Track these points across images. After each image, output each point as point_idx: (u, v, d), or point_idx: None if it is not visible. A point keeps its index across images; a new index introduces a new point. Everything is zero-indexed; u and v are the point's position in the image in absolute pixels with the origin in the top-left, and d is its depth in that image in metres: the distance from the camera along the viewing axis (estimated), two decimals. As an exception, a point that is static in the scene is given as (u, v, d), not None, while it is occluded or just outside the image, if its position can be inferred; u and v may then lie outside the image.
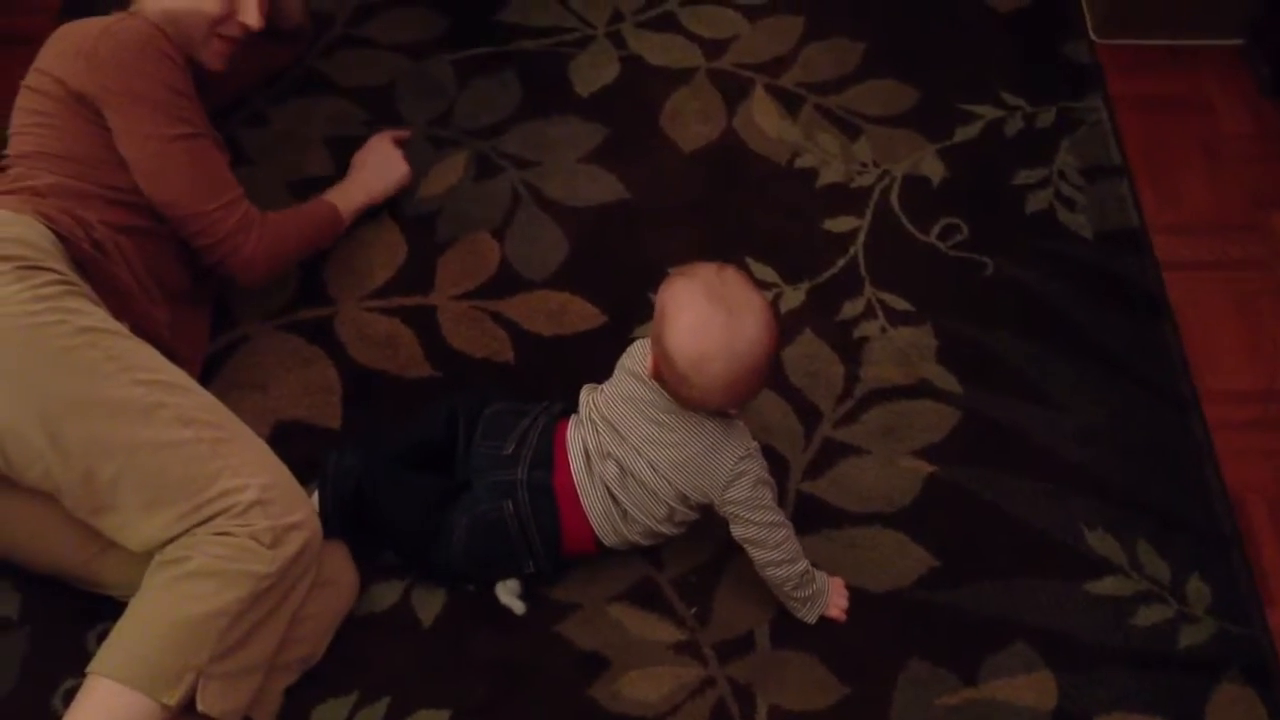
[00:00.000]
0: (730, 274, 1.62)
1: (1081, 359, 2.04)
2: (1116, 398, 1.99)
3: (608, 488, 1.69)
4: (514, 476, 1.70)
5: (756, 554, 1.69)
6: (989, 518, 1.86)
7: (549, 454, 1.72)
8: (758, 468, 1.66)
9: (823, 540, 1.84)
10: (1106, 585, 1.80)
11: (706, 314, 1.58)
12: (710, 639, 1.75)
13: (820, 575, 1.73)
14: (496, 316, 2.08)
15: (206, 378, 1.98)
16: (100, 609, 1.70)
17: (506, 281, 2.13)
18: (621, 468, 1.68)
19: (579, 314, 2.09)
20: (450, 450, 1.79)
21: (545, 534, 1.71)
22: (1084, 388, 2.00)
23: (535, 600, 1.77)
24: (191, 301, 1.98)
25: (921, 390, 2.00)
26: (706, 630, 1.76)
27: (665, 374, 1.62)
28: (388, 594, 1.79)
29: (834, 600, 1.75)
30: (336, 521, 1.70)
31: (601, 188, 2.24)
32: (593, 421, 1.72)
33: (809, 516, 1.86)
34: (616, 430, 1.69)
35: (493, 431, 1.76)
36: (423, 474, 1.77)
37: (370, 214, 2.18)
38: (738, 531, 1.69)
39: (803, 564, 1.70)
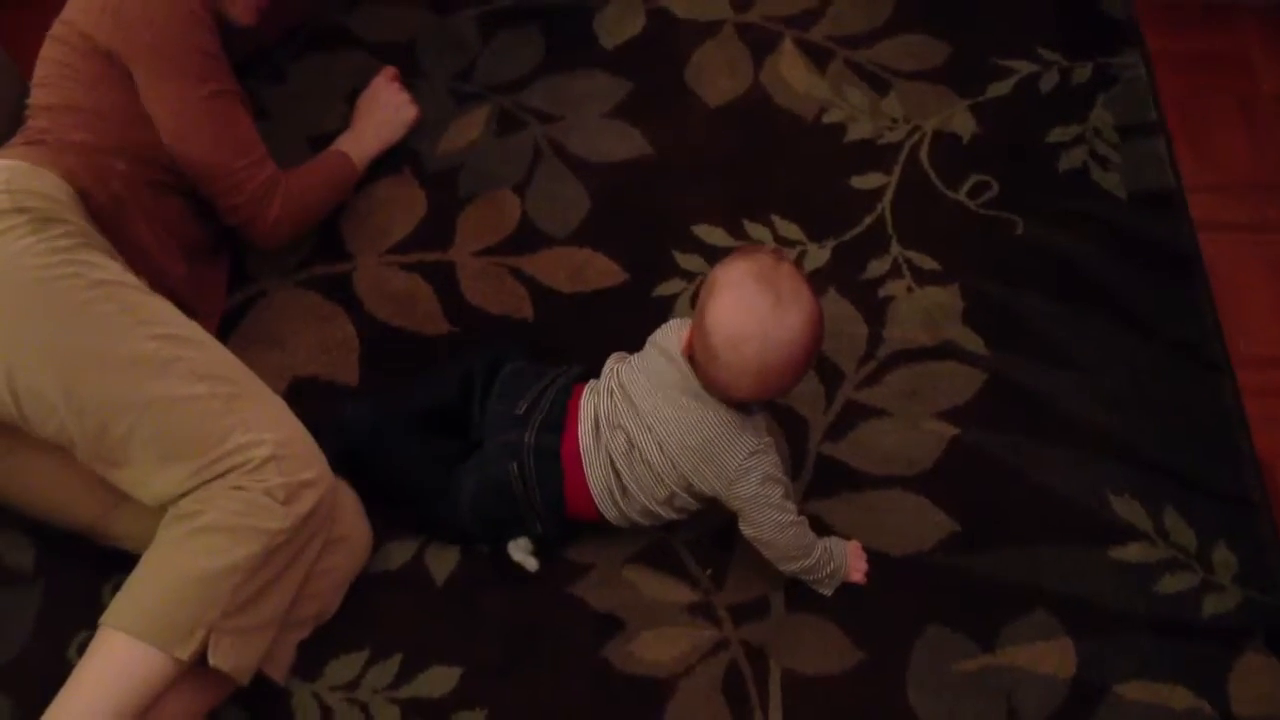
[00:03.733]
0: (788, 266, 1.59)
1: (1111, 322, 2.00)
2: (1146, 362, 1.95)
3: (611, 460, 1.66)
4: (522, 439, 1.68)
5: (766, 552, 1.67)
6: (1012, 482, 1.83)
7: (561, 418, 1.70)
8: (768, 464, 1.63)
9: (842, 503, 1.82)
10: (1131, 552, 1.77)
11: (753, 295, 1.55)
12: (725, 601, 1.74)
13: (838, 548, 1.70)
14: (516, 273, 2.06)
15: (223, 333, 1.98)
16: (115, 562, 1.70)
17: (527, 238, 2.10)
18: (630, 441, 1.66)
19: (600, 271, 2.07)
20: (466, 410, 1.77)
21: (549, 499, 1.69)
22: (1113, 351, 1.96)
23: (549, 560, 1.76)
24: (209, 257, 1.97)
25: (946, 352, 1.97)
26: (721, 592, 1.75)
27: (698, 350, 1.59)
28: (401, 552, 1.78)
29: (853, 564, 1.73)
30: (343, 471, 1.68)
31: (625, 143, 2.21)
32: (610, 390, 1.70)
33: (828, 479, 1.84)
34: (633, 403, 1.66)
35: (507, 391, 1.74)
36: (435, 433, 1.75)
37: (390, 169, 2.16)
38: (745, 530, 1.66)
39: (815, 555, 1.67)
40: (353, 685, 1.68)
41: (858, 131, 2.24)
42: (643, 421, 1.65)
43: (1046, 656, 1.67)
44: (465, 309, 2.02)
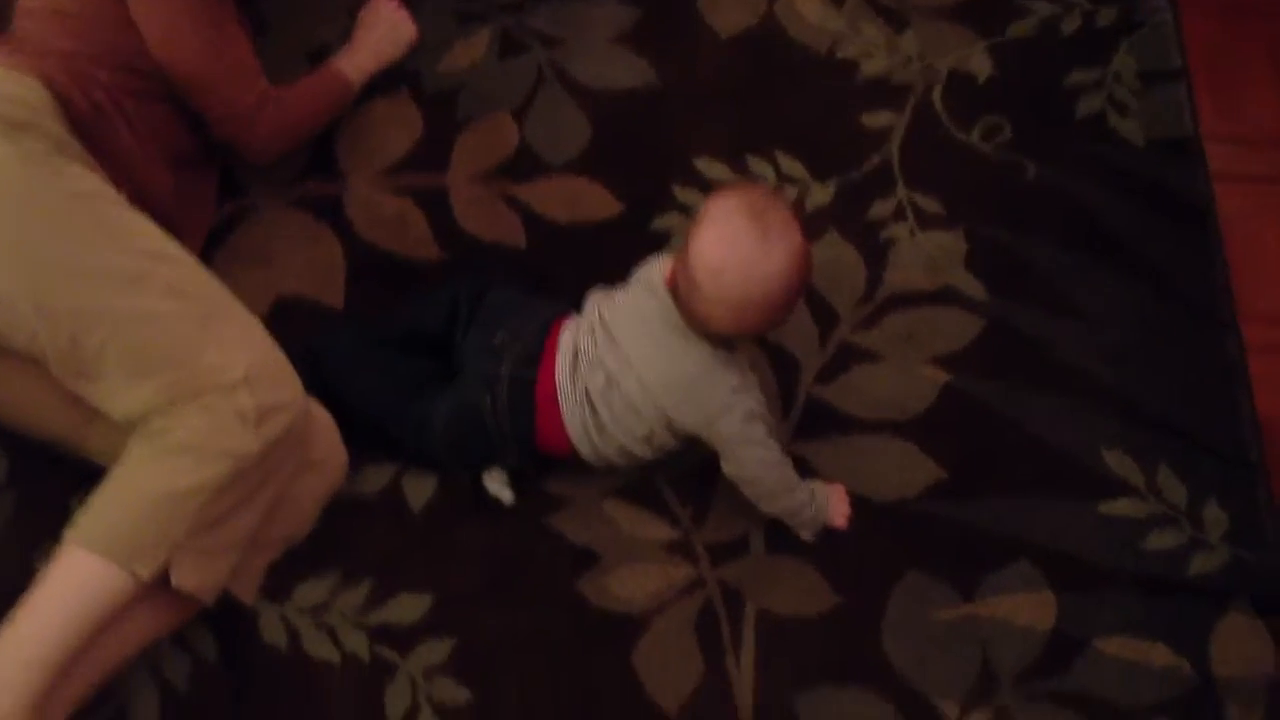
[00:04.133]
0: (779, 202, 1.57)
1: (1118, 272, 1.94)
2: (1151, 314, 1.90)
3: (589, 396, 1.63)
4: (497, 370, 1.65)
5: (747, 490, 1.64)
6: (1004, 432, 1.79)
7: (538, 352, 1.67)
8: (751, 402, 1.60)
9: (829, 446, 1.78)
10: (1120, 506, 1.73)
11: (740, 229, 1.52)
12: (704, 539, 1.71)
13: (820, 492, 1.67)
14: (511, 200, 2.02)
15: (209, 248, 1.94)
16: (87, 475, 1.66)
17: (524, 164, 2.06)
18: (609, 380, 1.63)
19: (596, 202, 2.02)
20: (449, 336, 1.74)
21: (521, 433, 1.66)
22: (1118, 302, 1.91)
23: (527, 492, 1.74)
24: (197, 169, 1.93)
25: (946, 297, 1.92)
26: (701, 531, 1.72)
27: (680, 281, 1.56)
28: (378, 478, 1.76)
29: (836, 508, 1.70)
30: (318, 393, 1.66)
31: (631, 71, 2.16)
32: (591, 326, 1.67)
33: (817, 421, 1.80)
34: (613, 338, 1.63)
35: (487, 320, 1.71)
36: (412, 358, 1.72)
37: (388, 88, 2.11)
38: (727, 468, 1.64)
39: (797, 496, 1.65)
40: (321, 608, 1.66)
41: (871, 68, 2.18)
42: (623, 357, 1.62)
43: (1026, 608, 1.64)
44: (457, 235, 1.99)
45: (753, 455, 1.60)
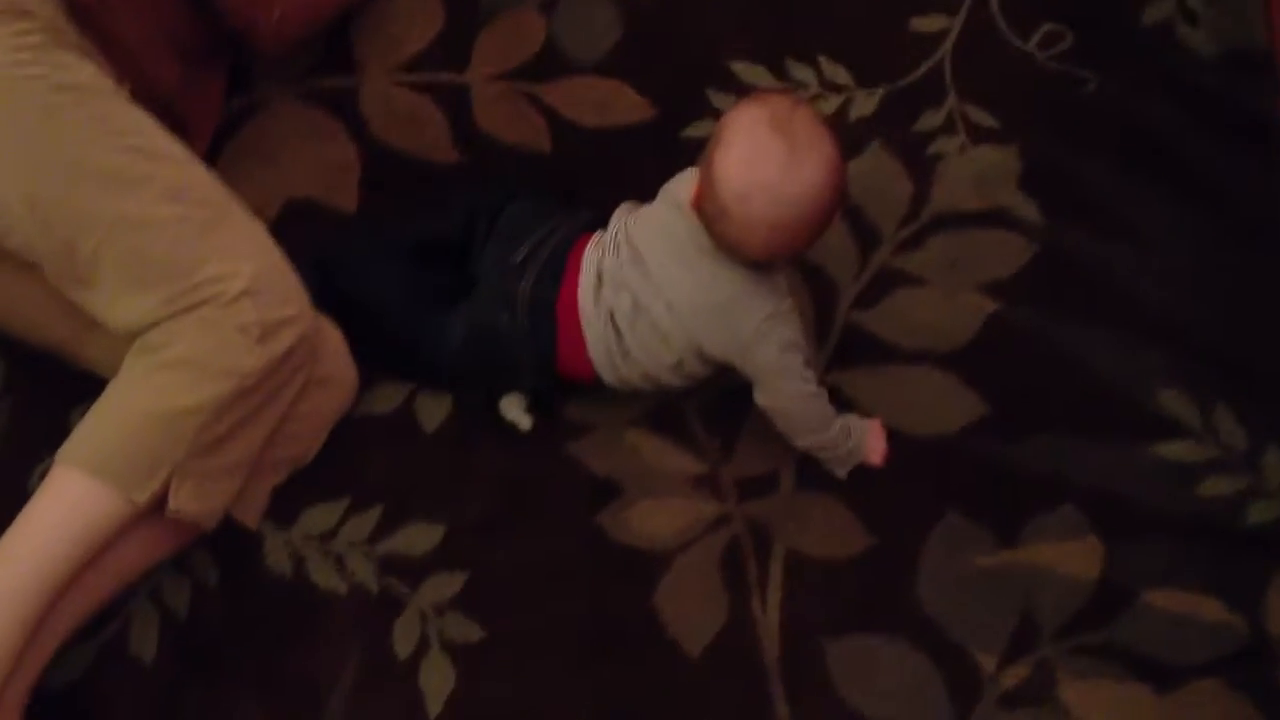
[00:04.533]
0: (805, 110, 1.44)
1: (1182, 195, 1.82)
2: (1214, 242, 1.78)
3: (613, 319, 1.53)
4: (517, 288, 1.55)
5: (780, 423, 1.55)
6: (1052, 365, 1.69)
7: (560, 269, 1.57)
8: (788, 330, 1.50)
9: (865, 376, 1.68)
10: (1174, 449, 1.63)
11: (764, 144, 1.40)
12: (732, 474, 1.62)
13: (857, 426, 1.58)
14: (535, 101, 1.90)
15: (216, 144, 1.84)
16: (87, 386, 1.58)
17: (550, 63, 1.94)
18: (636, 304, 1.53)
19: (626, 105, 1.90)
20: (467, 246, 1.64)
21: (540, 355, 1.57)
22: (1180, 228, 1.79)
23: (547, 419, 1.64)
24: (205, 62, 1.82)
25: (996, 218, 1.80)
26: (729, 464, 1.63)
27: (705, 205, 1.45)
28: (390, 397, 1.67)
29: (872, 444, 1.60)
30: (327, 306, 1.57)
31: (664, -35, 2.02)
32: (617, 244, 1.56)
33: (854, 349, 1.70)
34: (641, 259, 1.52)
35: (507, 233, 1.60)
36: (429, 267, 1.62)
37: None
38: (760, 399, 1.54)
39: (832, 430, 1.55)
40: (328, 536, 1.58)
41: (923, -35, 2.03)
42: (650, 280, 1.51)
43: (1071, 556, 1.55)
44: (477, 137, 1.87)
45: (789, 387, 1.51)
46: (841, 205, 1.48)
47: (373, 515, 1.59)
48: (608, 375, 1.58)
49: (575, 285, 1.56)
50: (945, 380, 1.68)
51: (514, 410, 1.62)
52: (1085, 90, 1.91)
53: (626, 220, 1.57)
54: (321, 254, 1.63)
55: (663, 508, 1.59)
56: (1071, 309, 1.73)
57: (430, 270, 1.64)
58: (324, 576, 1.55)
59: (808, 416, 1.53)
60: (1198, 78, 1.93)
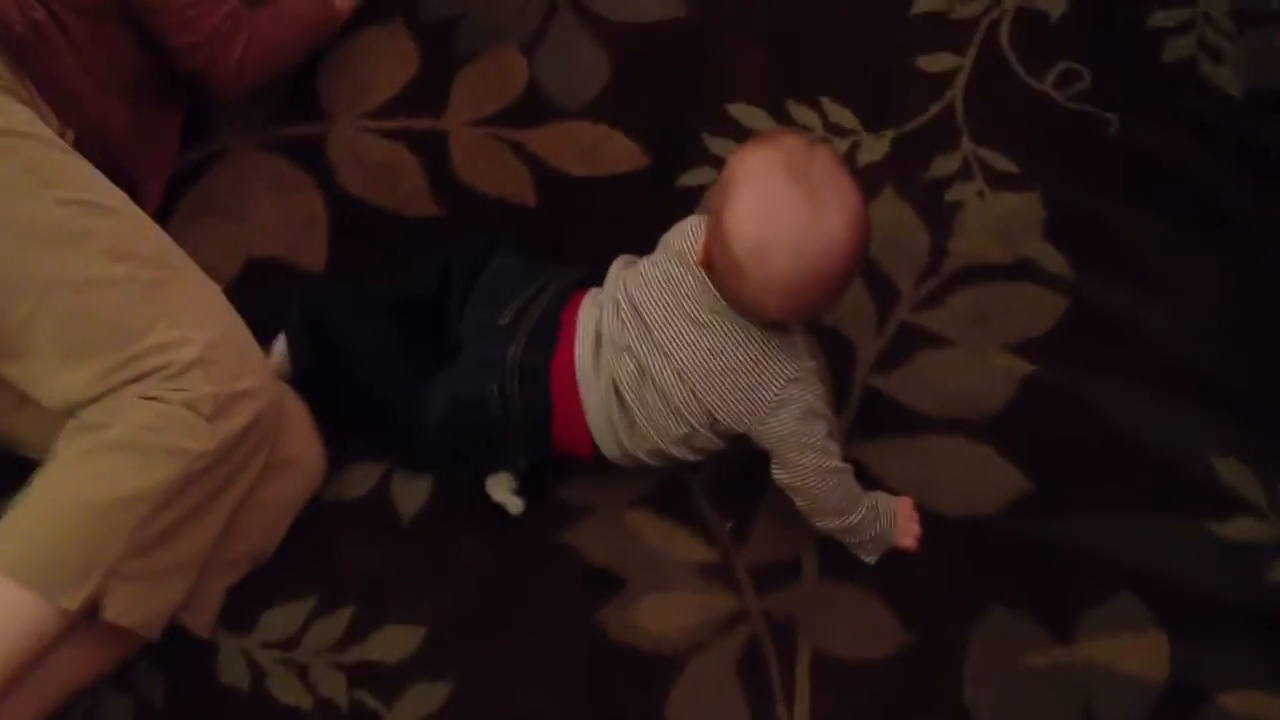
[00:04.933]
0: (824, 152, 1.27)
1: (1221, 244, 1.68)
2: (1261, 296, 1.63)
3: (615, 387, 1.36)
4: (504, 355, 1.38)
5: (800, 502, 1.38)
6: (1095, 434, 1.53)
7: (553, 332, 1.40)
8: (810, 396, 1.33)
9: (891, 449, 1.51)
10: (1238, 528, 1.47)
11: (781, 193, 1.23)
12: (747, 561, 1.45)
13: (886, 506, 1.41)
14: (518, 149, 1.74)
15: (171, 199, 1.68)
16: (18, 471, 1.38)
17: (534, 108, 1.78)
18: (640, 369, 1.36)
19: (617, 152, 1.74)
20: (443, 307, 1.46)
21: (534, 430, 1.40)
22: (1222, 280, 1.65)
23: (538, 501, 1.46)
24: (157, 105, 1.66)
25: (1023, 271, 1.65)
26: (743, 551, 1.45)
27: (717, 262, 1.28)
28: (362, 479, 1.48)
29: (903, 526, 1.43)
30: (303, 366, 1.40)
31: (657, 3, 1.87)
32: (616, 303, 1.39)
33: (876, 418, 1.53)
34: (643, 320, 1.35)
35: (492, 294, 1.43)
36: (405, 332, 1.45)
37: (380, 16, 1.84)
38: (778, 475, 1.37)
39: (859, 511, 1.38)
40: (291, 642, 1.39)
41: (927, 3, 1.89)
42: (656, 343, 1.34)
43: (1134, 652, 1.38)
44: (456, 188, 1.71)
45: (809, 461, 1.34)
46: (865, 258, 1.31)
47: (342, 618, 1.40)
48: (609, 449, 1.40)
49: (571, 349, 1.39)
50: (980, 452, 1.51)
51: (502, 491, 1.44)
52: (1108, 131, 1.77)
53: (625, 276, 1.41)
54: (305, 313, 1.45)
55: (671, 602, 1.41)
56: (1110, 370, 1.57)
57: (406, 331, 1.47)
58: (286, 691, 1.36)
59: (831, 494, 1.36)
60: (1226, 118, 1.79)
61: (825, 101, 1.79)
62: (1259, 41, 1.87)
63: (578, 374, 1.38)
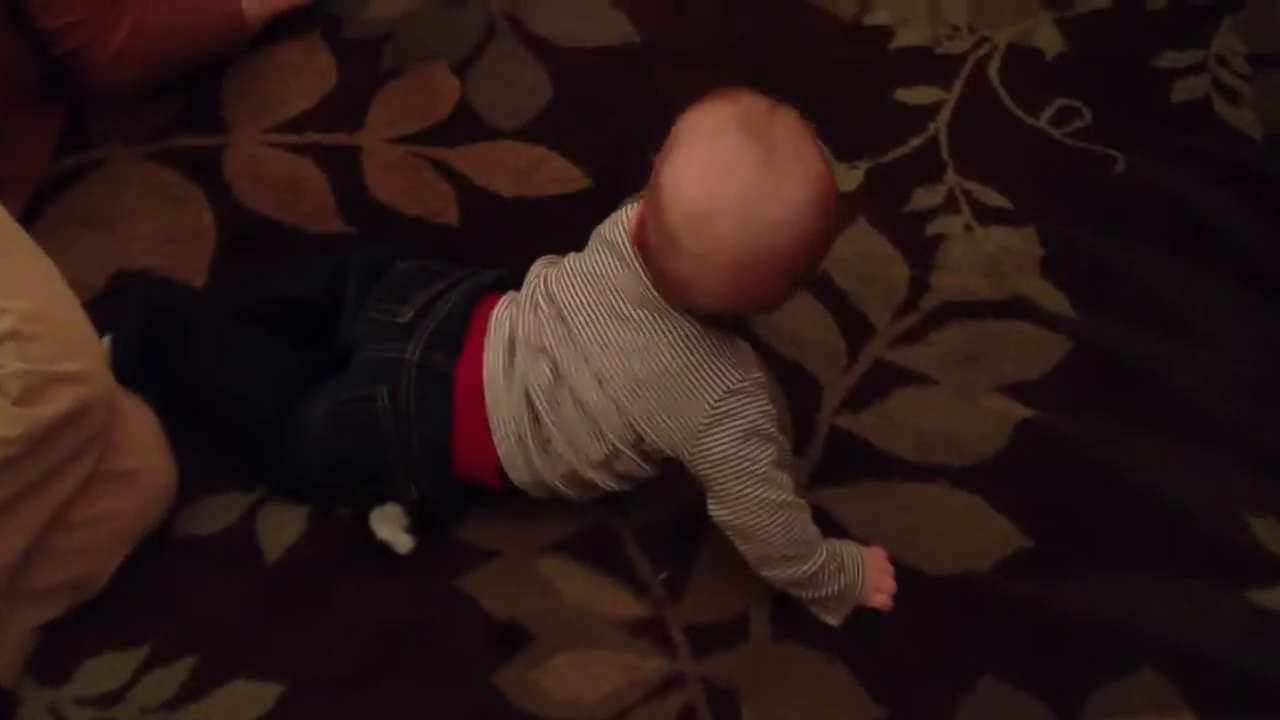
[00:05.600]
0: (788, 113, 1.04)
1: (1242, 286, 1.47)
2: (1288, 341, 1.41)
3: (529, 397, 1.13)
4: (402, 354, 1.14)
5: (743, 547, 1.13)
6: (1105, 487, 1.29)
7: (460, 333, 1.18)
8: (755, 413, 1.09)
9: (862, 495, 1.27)
10: (1277, 596, 1.20)
11: (734, 151, 1.00)
12: (684, 619, 1.19)
13: (851, 555, 1.17)
14: (441, 167, 1.53)
15: (38, 204, 1.47)
16: None
17: (463, 127, 1.59)
18: (556, 374, 1.13)
19: (554, 174, 1.54)
20: (333, 314, 1.23)
21: (430, 445, 1.16)
22: (1245, 323, 1.44)
23: (431, 541, 1.20)
24: (31, 104, 1.46)
25: (1017, 309, 1.43)
26: (680, 606, 1.19)
27: (650, 234, 1.05)
28: (221, 512, 1.24)
29: (875, 580, 1.18)
30: (131, 370, 1.15)
31: (604, 27, 1.69)
32: (535, 302, 1.17)
33: (845, 460, 1.29)
34: (563, 318, 1.13)
35: (392, 293, 1.21)
36: (284, 339, 1.21)
37: (299, 29, 1.66)
38: (715, 512, 1.12)
39: (816, 559, 1.14)
40: (113, 698, 1.12)
41: (908, 37, 1.71)
42: (576, 344, 1.11)
43: (1161, 739, 1.11)
44: (368, 205, 1.50)
45: (751, 492, 1.09)
46: (828, 244, 1.08)
47: (180, 670, 1.14)
48: (519, 474, 1.16)
49: (479, 355, 1.16)
50: (968, 502, 1.27)
51: (389, 527, 1.19)
52: (1113, 169, 1.58)
53: (546, 273, 1.18)
54: (151, 299, 1.22)
55: (588, 663, 1.15)
56: (1122, 419, 1.34)
57: (287, 342, 1.23)
58: (97, 756, 1.08)
59: (779, 535, 1.11)
60: (1247, 159, 1.59)
61: (792, 130, 1.58)
62: (1277, 83, 1.68)
63: (485, 383, 1.15)
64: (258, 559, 1.21)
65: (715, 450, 1.09)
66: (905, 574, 1.21)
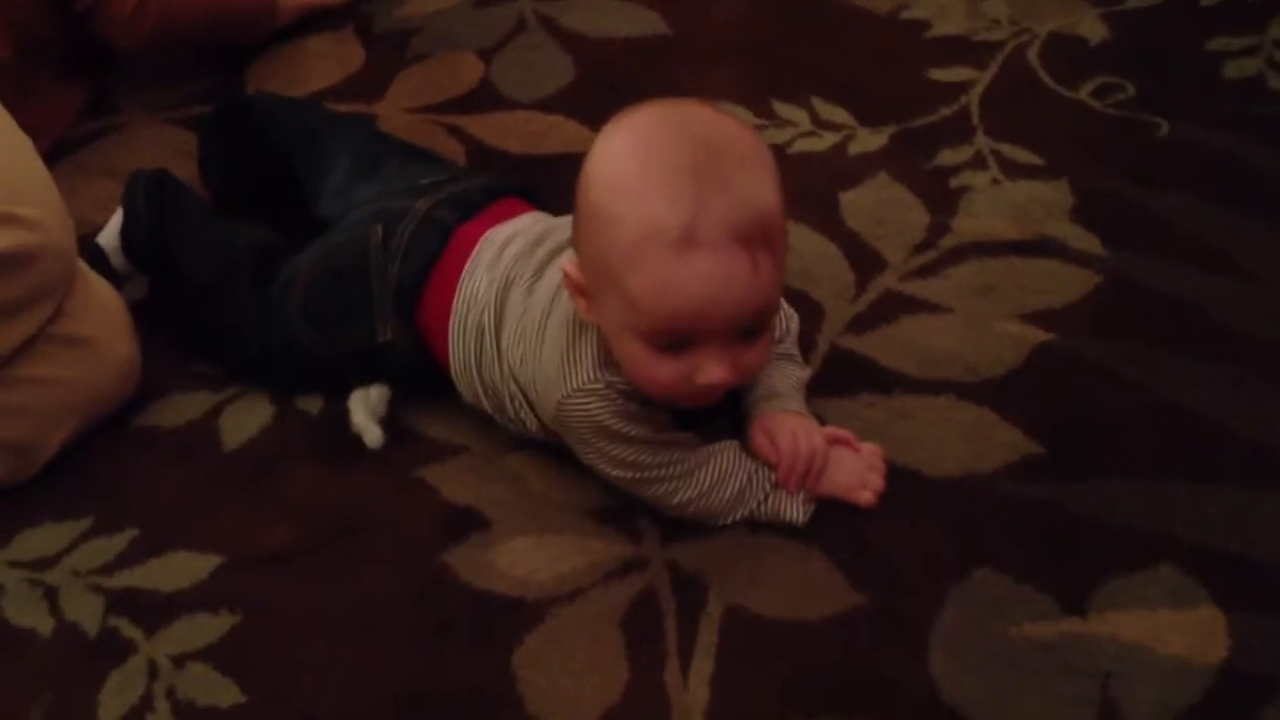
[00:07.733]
0: (736, 123, 0.97)
1: (1288, 231, 1.35)
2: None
3: (507, 279, 1.08)
4: (410, 206, 1.13)
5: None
6: (1132, 402, 1.18)
7: (479, 205, 1.14)
8: (605, 415, 1.00)
9: (862, 406, 1.18)
10: (1325, 501, 1.08)
11: (666, 143, 0.93)
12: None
13: (725, 464, 1.06)
14: (455, 130, 1.52)
15: (54, 158, 1.47)
16: None
17: (482, 99, 1.58)
18: (536, 279, 1.07)
19: (567, 137, 1.53)
20: (319, 177, 1.23)
21: (409, 277, 1.11)
22: (1291, 261, 1.31)
23: (402, 436, 1.14)
24: (56, 64, 1.50)
25: (1043, 248, 1.34)
26: (652, 496, 1.10)
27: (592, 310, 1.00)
28: (188, 407, 1.20)
29: (860, 477, 1.08)
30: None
31: (634, 22, 1.69)
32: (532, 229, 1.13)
33: (844, 375, 1.20)
34: (533, 254, 1.09)
35: (409, 169, 1.20)
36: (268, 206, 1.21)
37: (331, 26, 1.70)
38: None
39: (731, 487, 1.05)
40: (46, 563, 1.07)
41: (946, 28, 1.68)
42: (544, 276, 1.06)
43: (1178, 630, 0.99)
44: (377, 159, 1.47)
45: (601, 471, 1.05)
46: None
47: (118, 541, 1.08)
48: (458, 369, 1.09)
49: (489, 224, 1.12)
50: (975, 414, 1.17)
51: (363, 412, 1.13)
52: (1157, 134, 1.50)
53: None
54: (152, 195, 1.24)
55: (546, 546, 1.06)
56: (1155, 344, 1.23)
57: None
58: (23, 612, 1.04)
59: (665, 497, 1.05)
60: (1301, 124, 1.50)
61: (815, 101, 1.56)
62: (1335, 68, 1.60)
63: (482, 241, 1.10)
64: (215, 448, 1.16)
65: (567, 435, 1.04)
66: (901, 475, 1.11)
